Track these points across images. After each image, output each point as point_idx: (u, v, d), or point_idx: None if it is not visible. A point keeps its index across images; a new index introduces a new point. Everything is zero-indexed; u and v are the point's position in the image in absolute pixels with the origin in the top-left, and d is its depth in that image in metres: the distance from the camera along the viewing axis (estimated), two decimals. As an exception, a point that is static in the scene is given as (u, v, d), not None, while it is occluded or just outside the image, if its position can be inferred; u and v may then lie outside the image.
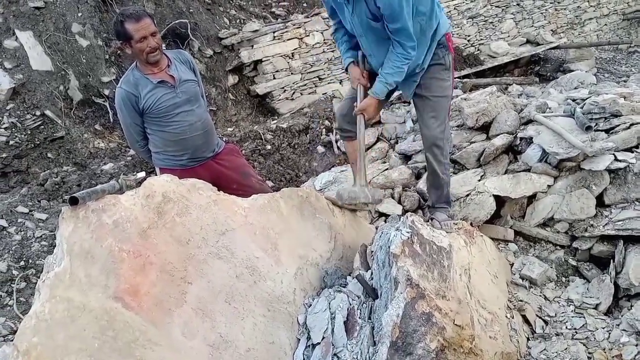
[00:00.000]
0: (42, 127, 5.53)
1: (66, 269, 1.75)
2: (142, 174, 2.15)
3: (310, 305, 2.37)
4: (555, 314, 2.88)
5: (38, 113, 5.52)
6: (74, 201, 1.82)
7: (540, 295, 3.04)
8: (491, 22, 9.75)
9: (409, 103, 5.18)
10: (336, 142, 5.99)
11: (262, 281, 2.26)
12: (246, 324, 2.13)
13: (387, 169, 4.48)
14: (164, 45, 2.96)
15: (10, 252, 4.08)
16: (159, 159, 3.07)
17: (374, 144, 5.53)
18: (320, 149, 6.10)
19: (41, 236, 4.30)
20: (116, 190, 2.02)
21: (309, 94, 7.50)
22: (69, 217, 1.83)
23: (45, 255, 3.85)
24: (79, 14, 6.05)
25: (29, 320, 1.63)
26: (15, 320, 3.55)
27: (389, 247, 2.31)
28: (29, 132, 5.45)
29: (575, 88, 5.63)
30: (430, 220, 3.14)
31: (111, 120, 5.97)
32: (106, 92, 6.00)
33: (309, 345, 2.23)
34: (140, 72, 2.86)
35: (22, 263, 4.03)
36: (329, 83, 7.60)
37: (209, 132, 3.07)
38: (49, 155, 5.54)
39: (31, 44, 5.70)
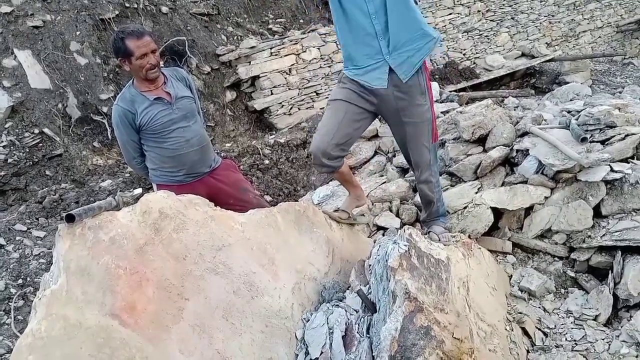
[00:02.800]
0: (41, 144, 5.55)
1: (62, 287, 1.74)
2: (138, 191, 2.16)
3: (308, 320, 2.36)
4: (555, 326, 2.87)
5: (36, 131, 5.54)
6: (70, 218, 1.82)
7: (539, 307, 3.03)
8: (486, 36, 9.85)
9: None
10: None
11: (260, 296, 2.26)
12: (244, 339, 2.12)
13: (384, 182, 4.49)
14: (161, 62, 2.99)
15: (8, 270, 4.06)
16: (155, 175, 3.08)
17: (372, 157, 5.55)
18: (318, 163, 6.10)
19: (39, 254, 4.29)
20: (113, 207, 2.03)
21: (307, 108, 7.55)
22: (66, 235, 1.83)
23: (43, 273, 3.83)
24: (77, 33, 6.11)
25: (25, 339, 1.62)
26: (13, 339, 3.52)
27: (386, 260, 2.31)
28: (28, 150, 5.46)
29: (570, 100, 5.67)
30: (427, 234, 3.14)
31: (109, 137, 5.99)
32: (104, 109, 6.03)
33: (308, 361, 2.22)
34: (137, 89, 2.88)
35: (20, 281, 4.01)
36: (326, 98, 7.64)
37: (205, 148, 3.08)
38: (47, 172, 5.55)
39: (30, 63, 5.74)
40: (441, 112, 5.20)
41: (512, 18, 10.12)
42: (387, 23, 2.74)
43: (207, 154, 3.10)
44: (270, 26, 8.24)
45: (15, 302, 3.80)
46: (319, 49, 7.56)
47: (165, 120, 2.89)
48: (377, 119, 3.84)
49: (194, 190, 2.78)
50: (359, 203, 3.35)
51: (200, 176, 3.08)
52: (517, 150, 3.73)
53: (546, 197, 3.42)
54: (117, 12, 6.51)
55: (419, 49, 2.81)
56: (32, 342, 1.61)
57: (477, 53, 9.74)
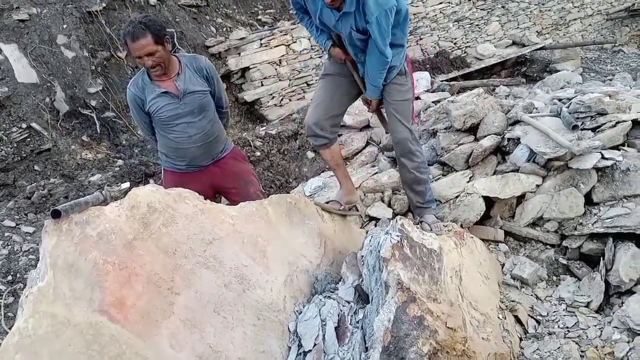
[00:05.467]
0: (29, 139, 5.48)
1: (50, 284, 1.71)
2: (126, 185, 2.13)
3: (301, 312, 2.35)
4: (547, 314, 2.88)
5: (24, 126, 5.46)
6: (56, 214, 1.79)
7: (531, 295, 3.04)
8: (477, 25, 9.82)
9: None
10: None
11: (252, 290, 2.24)
12: (236, 333, 2.10)
13: (376, 173, 4.48)
14: (171, 53, 2.92)
15: (-2, 267, 4.02)
16: (162, 159, 3.15)
17: (364, 148, 5.54)
18: (310, 154, 6.09)
19: (29, 250, 4.25)
20: (100, 201, 2.00)
21: (298, 100, 7.51)
22: (52, 231, 1.80)
23: (32, 269, 3.79)
24: (64, 26, 6.02)
25: (11, 337, 1.60)
26: (3, 336, 3.49)
27: (378, 251, 2.30)
28: (15, 145, 5.39)
29: (561, 88, 5.68)
30: (419, 223, 3.14)
31: (98, 131, 5.93)
32: (93, 103, 5.96)
33: (300, 353, 2.21)
34: (150, 77, 2.87)
35: (9, 277, 3.97)
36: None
37: (210, 144, 3.04)
38: (36, 167, 5.48)
39: (16, 57, 5.65)
40: (432, 102, 5.19)
41: (503, 7, 10.09)
42: (358, 50, 2.94)
43: (211, 149, 3.06)
44: (259, 17, 8.16)
45: (5, 299, 3.77)
46: (309, 39, 7.50)
47: (170, 114, 2.88)
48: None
49: (197, 178, 2.95)
50: (351, 198, 3.35)
51: (203, 167, 3.07)
52: (509, 139, 3.73)
53: (538, 185, 3.42)
54: (104, 5, 6.41)
55: (385, 77, 3.00)
56: (19, 341, 1.58)
57: (468, 42, 9.72)
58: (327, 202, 3.22)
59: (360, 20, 2.73)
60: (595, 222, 3.13)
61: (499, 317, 2.68)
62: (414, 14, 8.88)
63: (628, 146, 3.39)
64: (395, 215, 3.78)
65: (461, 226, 3.26)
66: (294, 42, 7.42)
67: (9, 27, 5.71)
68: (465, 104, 4.07)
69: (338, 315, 2.30)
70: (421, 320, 2.07)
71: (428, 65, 8.58)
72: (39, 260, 1.82)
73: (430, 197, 3.30)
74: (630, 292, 2.81)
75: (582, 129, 3.42)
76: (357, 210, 3.59)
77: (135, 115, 3.02)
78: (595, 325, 2.69)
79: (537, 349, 2.59)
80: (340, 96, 3.16)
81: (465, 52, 9.55)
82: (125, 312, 1.82)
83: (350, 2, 2.68)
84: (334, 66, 3.15)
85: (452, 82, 7.51)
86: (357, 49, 2.91)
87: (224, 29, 7.53)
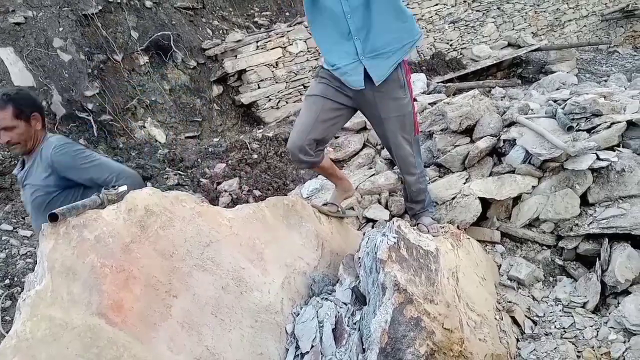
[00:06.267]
0: (25, 143, 5.47)
1: (47, 287, 1.71)
2: (123, 188, 2.12)
3: (298, 314, 2.36)
4: (544, 314, 2.89)
5: (20, 129, 5.45)
6: (54, 217, 1.79)
7: (528, 296, 3.05)
8: (472, 27, 9.86)
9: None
10: (322, 149, 5.98)
11: (249, 292, 2.25)
12: (233, 335, 2.11)
13: (373, 175, 4.49)
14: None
15: (-5, 270, 4.02)
16: None
17: (360, 150, 5.55)
18: (307, 156, 6.09)
19: (26, 253, 4.25)
20: (97, 205, 2.00)
21: (294, 102, 7.53)
22: (50, 234, 1.80)
23: (30, 273, 3.79)
24: (60, 29, 6.02)
25: (9, 340, 1.60)
26: (1, 340, 3.48)
27: (375, 253, 2.31)
28: (12, 149, 5.38)
29: (557, 89, 5.70)
30: (416, 225, 3.15)
31: (95, 134, 5.93)
32: (90, 106, 5.96)
33: (298, 355, 2.21)
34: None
35: (7, 281, 3.97)
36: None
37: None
38: (33, 171, 5.47)
39: (12, 60, 5.66)
40: (428, 104, 5.20)
41: (498, 8, 10.15)
42: (364, 22, 2.67)
43: None
44: (256, 19, 8.19)
45: (2, 303, 3.77)
46: (305, 41, 7.52)
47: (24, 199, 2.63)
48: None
49: None
50: (347, 194, 3.34)
51: None
52: (505, 140, 3.74)
53: (534, 187, 3.43)
54: (100, 7, 6.42)
55: (395, 52, 2.74)
56: (17, 344, 1.59)
57: (463, 44, 9.76)
58: (324, 205, 3.22)
59: None
60: (591, 223, 3.15)
61: (495, 318, 2.69)
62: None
63: (623, 147, 3.41)
64: (392, 216, 3.79)
65: (458, 227, 3.27)
66: (291, 44, 7.44)
67: (5, 30, 5.71)
68: (461, 106, 4.08)
69: (335, 316, 2.30)
70: (418, 321, 2.08)
71: (424, 67, 8.61)
72: (36, 263, 1.83)
73: (429, 202, 3.30)
74: (626, 292, 2.82)
75: (577, 130, 3.44)
76: (354, 211, 3.60)
77: None
78: (592, 326, 2.70)
79: (534, 350, 2.60)
80: (325, 118, 2.85)
81: (461, 54, 9.59)
82: (123, 315, 1.82)
83: None
84: (320, 87, 2.88)
85: (448, 84, 7.53)
86: (358, 14, 2.65)
87: (221, 32, 7.54)
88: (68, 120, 5.89)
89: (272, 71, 7.33)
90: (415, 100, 3.12)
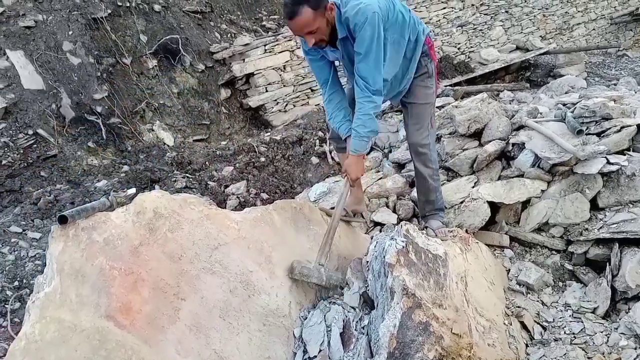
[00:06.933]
0: (35, 145, 5.51)
1: (56, 289, 1.72)
2: (132, 190, 2.13)
3: (306, 318, 2.35)
4: (554, 319, 2.86)
5: (30, 132, 5.50)
6: (63, 220, 1.80)
7: (537, 301, 3.03)
8: (480, 30, 9.83)
9: (402, 112, 5.18)
10: (330, 152, 5.99)
11: (257, 295, 2.24)
12: (241, 339, 2.11)
13: (381, 178, 4.48)
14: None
15: (4, 272, 4.04)
16: None
17: (368, 153, 5.53)
18: (315, 159, 6.09)
19: (35, 255, 4.26)
20: (106, 207, 2.01)
21: (302, 105, 7.53)
22: (59, 236, 1.81)
23: (39, 275, 3.80)
24: (70, 32, 6.06)
25: (18, 342, 1.61)
26: (10, 342, 3.49)
27: (384, 257, 2.30)
28: (22, 151, 5.42)
29: (565, 92, 5.66)
30: (425, 229, 3.13)
31: (104, 137, 5.96)
32: (99, 109, 5.99)
33: (306, 359, 2.21)
34: None
35: (16, 283, 3.98)
36: (321, 94, 7.61)
37: None
38: (42, 173, 5.50)
39: (22, 63, 5.70)
40: (437, 107, 5.18)
41: (506, 11, 10.10)
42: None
43: None
44: (263, 23, 8.20)
45: (11, 305, 3.78)
46: (313, 45, 7.51)
47: None
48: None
49: None
50: (357, 207, 3.34)
51: None
52: (513, 144, 3.72)
53: (543, 191, 3.41)
54: (109, 11, 6.46)
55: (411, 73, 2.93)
56: (26, 346, 1.59)
57: (471, 47, 9.73)
58: (332, 208, 3.21)
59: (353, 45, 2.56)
60: (601, 228, 3.12)
61: (504, 323, 2.67)
62: (418, 20, 8.88)
63: (633, 151, 3.38)
64: (400, 220, 3.77)
65: (466, 231, 3.25)
66: (298, 47, 7.44)
67: (15, 33, 5.76)
68: (469, 109, 4.07)
69: (343, 321, 2.29)
70: (427, 326, 2.07)
71: (432, 71, 8.58)
72: (45, 265, 1.83)
73: (440, 205, 3.29)
74: (636, 298, 2.79)
75: (586, 134, 3.41)
76: (363, 217, 3.59)
77: None
78: (602, 332, 2.67)
79: (544, 356, 2.58)
80: None
81: (469, 57, 9.56)
82: (132, 317, 1.82)
83: (340, 28, 2.52)
84: None
85: (456, 87, 7.50)
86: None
87: (229, 35, 7.57)
88: (77, 123, 5.91)
89: (280, 74, 7.34)
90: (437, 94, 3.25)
